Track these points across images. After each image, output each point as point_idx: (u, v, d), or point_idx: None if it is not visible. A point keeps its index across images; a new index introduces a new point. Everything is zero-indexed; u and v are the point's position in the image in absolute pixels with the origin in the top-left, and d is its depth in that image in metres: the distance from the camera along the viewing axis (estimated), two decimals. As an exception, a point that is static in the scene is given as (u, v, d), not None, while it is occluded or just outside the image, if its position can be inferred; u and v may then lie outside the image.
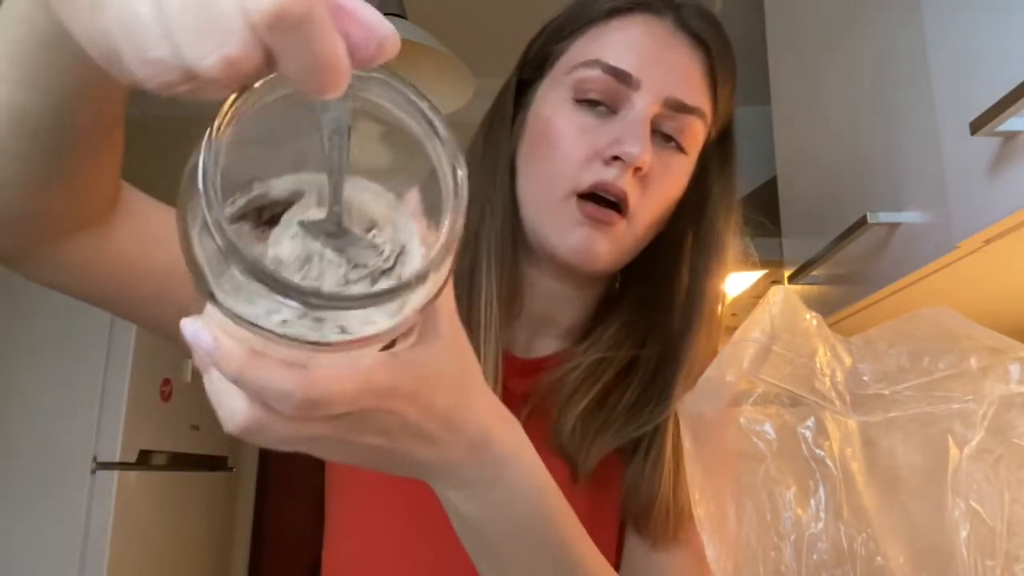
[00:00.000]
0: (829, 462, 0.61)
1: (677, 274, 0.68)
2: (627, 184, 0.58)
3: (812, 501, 0.61)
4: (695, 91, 0.62)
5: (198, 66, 0.26)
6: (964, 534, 0.55)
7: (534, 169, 0.63)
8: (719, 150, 0.69)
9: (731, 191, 0.69)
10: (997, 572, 0.54)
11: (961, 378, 0.59)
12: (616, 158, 0.58)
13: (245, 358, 0.29)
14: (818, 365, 0.63)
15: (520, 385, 0.65)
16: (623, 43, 0.60)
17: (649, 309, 0.68)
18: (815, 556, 0.59)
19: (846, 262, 1.00)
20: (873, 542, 0.59)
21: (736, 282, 1.67)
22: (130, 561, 2.04)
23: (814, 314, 0.66)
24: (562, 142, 0.60)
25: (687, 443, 0.65)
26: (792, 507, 0.61)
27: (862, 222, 0.88)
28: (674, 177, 0.62)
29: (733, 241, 0.68)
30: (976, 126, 0.65)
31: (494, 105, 0.69)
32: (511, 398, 0.62)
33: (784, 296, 0.66)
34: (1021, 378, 0.57)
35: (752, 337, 0.64)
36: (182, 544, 2.35)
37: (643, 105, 0.59)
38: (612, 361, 0.65)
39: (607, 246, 0.60)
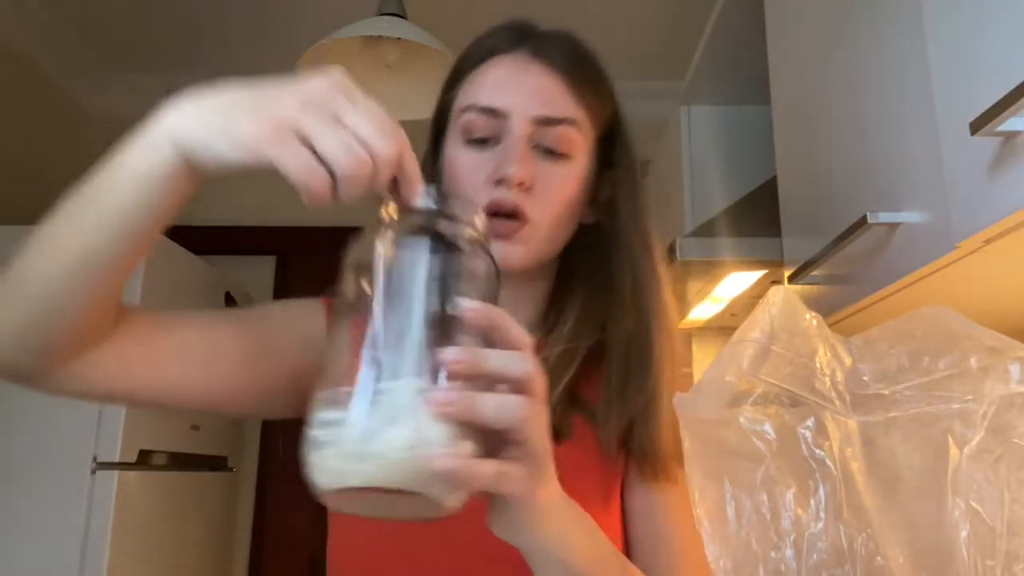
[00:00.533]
0: (829, 462, 0.61)
1: (612, 262, 0.76)
2: (516, 197, 0.69)
3: (812, 501, 0.61)
4: (559, 104, 0.72)
5: (343, 170, 0.45)
6: (964, 534, 0.55)
7: None
8: (614, 145, 0.78)
9: (632, 177, 0.79)
10: (997, 572, 0.54)
11: (961, 378, 0.59)
12: (500, 180, 0.69)
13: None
14: (818, 365, 0.63)
15: None
16: (488, 84, 0.73)
17: (599, 299, 0.76)
18: (815, 556, 0.59)
19: (846, 262, 1.00)
20: (873, 542, 0.59)
21: (736, 282, 1.67)
22: (130, 561, 2.04)
23: (814, 314, 0.66)
24: (461, 177, 0.72)
25: (687, 443, 0.65)
26: (792, 507, 0.61)
27: (862, 222, 0.88)
28: (562, 179, 0.72)
29: (649, 221, 0.77)
30: (976, 126, 0.65)
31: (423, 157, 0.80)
32: None
33: (784, 296, 0.66)
34: (1021, 378, 0.57)
35: (752, 337, 0.64)
36: (182, 544, 2.34)
37: (515, 130, 0.70)
38: (576, 351, 0.73)
39: (519, 250, 0.70)
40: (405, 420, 0.41)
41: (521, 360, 0.44)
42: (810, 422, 0.62)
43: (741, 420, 0.63)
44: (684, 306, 1.92)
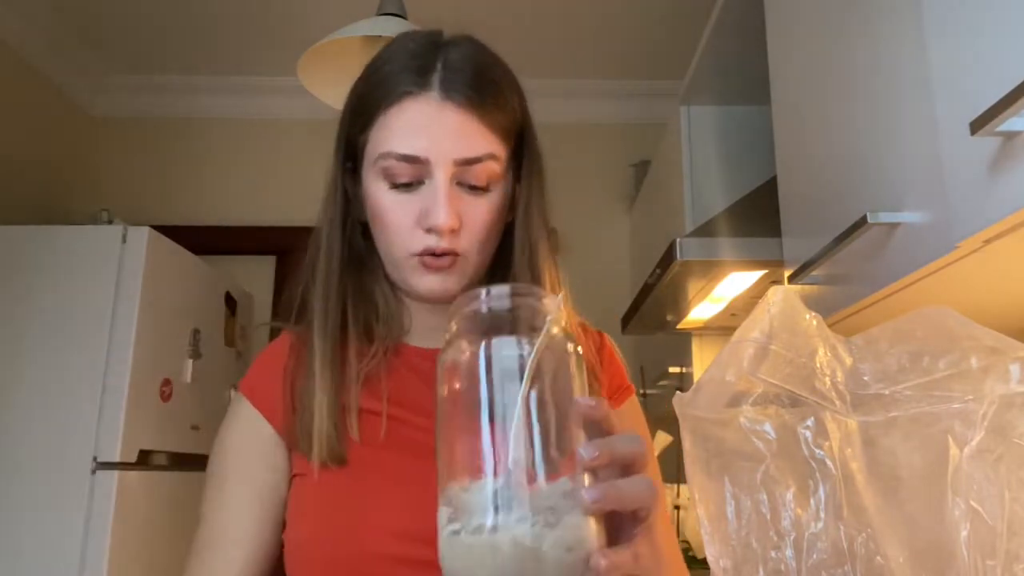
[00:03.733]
0: (829, 462, 0.61)
1: (516, 257, 0.80)
2: (447, 241, 0.73)
3: (812, 501, 0.61)
4: (476, 142, 0.73)
5: None
6: (964, 534, 0.55)
7: (378, 240, 0.79)
8: (524, 150, 0.80)
9: (540, 180, 0.81)
10: (997, 572, 0.54)
11: (961, 378, 0.59)
12: (430, 229, 0.72)
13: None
14: (818, 365, 0.63)
15: (431, 367, 0.77)
16: (403, 130, 0.73)
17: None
18: (815, 556, 0.59)
19: (846, 262, 1.00)
20: (873, 542, 0.59)
21: (736, 282, 1.67)
22: (130, 561, 2.04)
23: (814, 314, 0.66)
24: (389, 220, 0.75)
25: (687, 443, 0.65)
26: (792, 507, 0.61)
27: (862, 222, 0.88)
28: (485, 213, 0.75)
29: (545, 214, 0.81)
30: (976, 126, 0.65)
31: (328, 193, 0.82)
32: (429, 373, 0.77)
33: (784, 296, 0.66)
34: (1021, 378, 0.57)
35: (752, 337, 0.64)
36: (182, 544, 2.34)
37: (438, 176, 0.72)
38: None
39: (453, 280, 0.75)
40: (561, 522, 0.43)
41: (637, 441, 0.49)
42: (810, 422, 0.62)
43: (741, 420, 0.63)
44: (684, 306, 1.92)
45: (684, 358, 2.15)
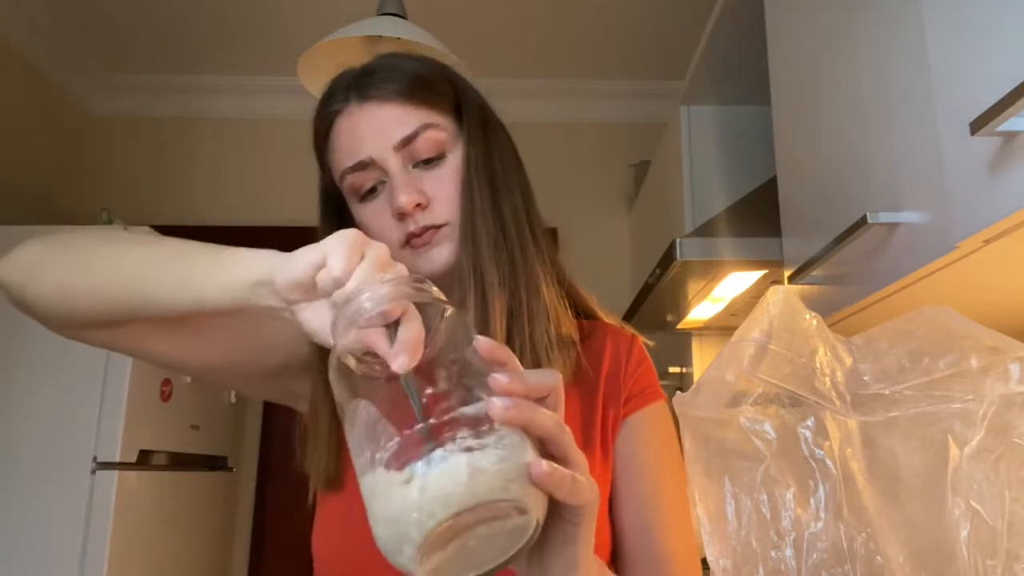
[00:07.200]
0: (829, 462, 0.61)
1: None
2: (421, 219, 0.76)
3: (812, 501, 0.61)
4: (406, 121, 0.77)
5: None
6: (964, 533, 0.55)
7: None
8: (464, 117, 0.81)
9: (475, 130, 0.81)
10: (998, 571, 0.54)
11: (961, 378, 0.59)
12: (399, 216, 0.76)
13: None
14: (818, 365, 0.63)
15: None
16: (342, 146, 0.79)
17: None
18: (815, 556, 0.59)
19: (846, 262, 1.00)
20: (873, 542, 0.59)
21: (736, 282, 1.67)
22: (130, 561, 2.04)
23: (814, 314, 0.66)
24: (372, 228, 0.79)
25: (687, 443, 0.66)
26: (792, 507, 0.61)
27: (862, 222, 0.88)
28: (447, 178, 0.78)
29: (494, 170, 0.80)
30: (976, 126, 0.65)
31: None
32: None
33: (784, 296, 0.66)
34: (1021, 378, 0.57)
35: (751, 337, 0.64)
36: (182, 544, 2.34)
37: (388, 167, 0.76)
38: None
39: (444, 250, 0.77)
40: (487, 443, 0.43)
41: (551, 373, 0.49)
42: (810, 422, 0.62)
43: (741, 420, 0.63)
44: (684, 306, 1.92)
45: (684, 358, 2.15)
